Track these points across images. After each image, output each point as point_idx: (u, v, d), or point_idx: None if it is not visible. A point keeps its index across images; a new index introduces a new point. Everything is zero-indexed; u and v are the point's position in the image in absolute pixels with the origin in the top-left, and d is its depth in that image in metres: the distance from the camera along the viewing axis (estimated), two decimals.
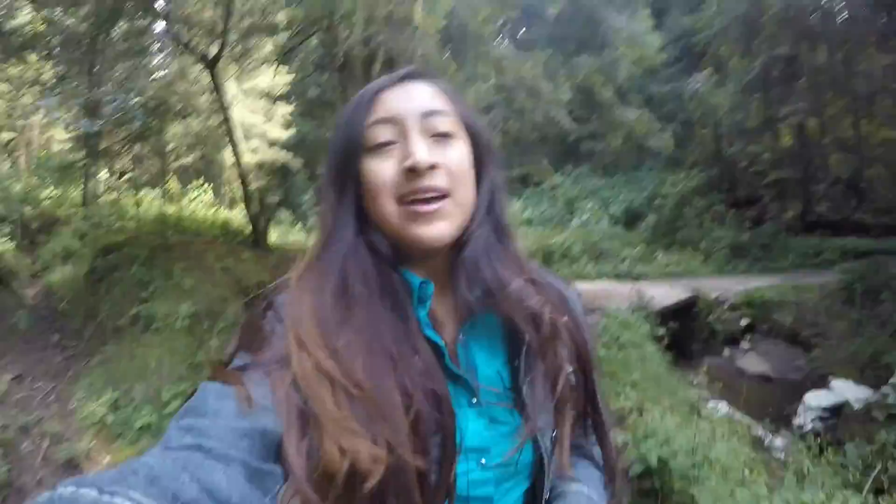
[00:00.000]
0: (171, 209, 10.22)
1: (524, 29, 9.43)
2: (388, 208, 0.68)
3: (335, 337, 0.61)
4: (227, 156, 11.30)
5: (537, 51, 9.96)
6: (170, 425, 0.54)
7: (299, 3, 6.95)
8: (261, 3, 7.39)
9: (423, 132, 0.69)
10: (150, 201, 11.58)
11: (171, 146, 12.51)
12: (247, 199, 8.01)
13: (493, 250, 0.72)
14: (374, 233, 0.69)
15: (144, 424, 4.39)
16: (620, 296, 8.38)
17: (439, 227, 0.68)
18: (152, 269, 5.94)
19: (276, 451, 0.56)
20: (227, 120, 7.78)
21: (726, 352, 9.00)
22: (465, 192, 0.70)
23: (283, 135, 14.22)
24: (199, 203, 11.14)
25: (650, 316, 7.67)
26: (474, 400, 0.69)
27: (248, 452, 0.53)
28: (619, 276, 11.49)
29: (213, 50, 7.56)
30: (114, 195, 12.45)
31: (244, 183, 7.86)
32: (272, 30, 7.68)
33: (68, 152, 12.01)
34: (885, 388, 5.74)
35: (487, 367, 0.72)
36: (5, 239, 8.11)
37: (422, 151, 0.66)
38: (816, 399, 6.34)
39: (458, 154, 0.70)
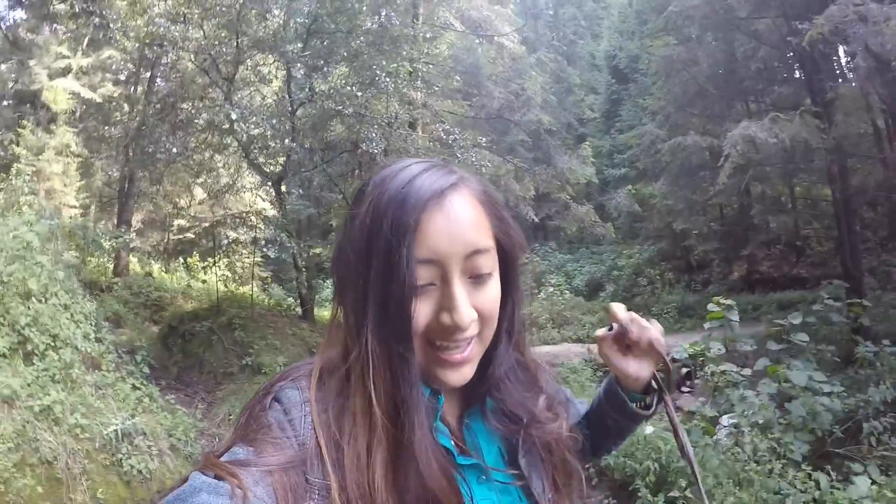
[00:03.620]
0: (228, 287, 13.80)
1: (499, 144, 13.85)
2: (416, 347, 0.72)
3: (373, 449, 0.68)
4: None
5: (508, 159, 14.34)
6: None
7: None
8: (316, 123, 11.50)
9: (464, 272, 0.73)
10: (177, 274, 15.11)
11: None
12: (299, 282, 11.72)
13: (511, 371, 0.84)
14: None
15: None
16: (577, 354, 12.32)
17: (464, 372, 0.76)
18: (250, 333, 9.64)
19: None
20: (288, 230, 11.43)
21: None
22: (491, 332, 0.78)
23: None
24: (216, 277, 14.62)
25: (596, 367, 11.51)
26: (483, 477, 0.79)
27: None
28: (579, 340, 15.25)
29: (279, 168, 11.51)
30: (136, 266, 15.74)
31: (297, 268, 11.54)
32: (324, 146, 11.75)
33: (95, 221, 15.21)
34: None
35: (489, 446, 0.83)
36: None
37: (466, 310, 0.72)
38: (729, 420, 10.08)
39: (492, 296, 0.76)
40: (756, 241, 17.62)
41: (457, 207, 0.73)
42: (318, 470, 0.67)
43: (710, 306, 6.93)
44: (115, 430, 6.03)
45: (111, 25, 11.71)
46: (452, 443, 0.78)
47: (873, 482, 4.23)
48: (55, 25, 13.33)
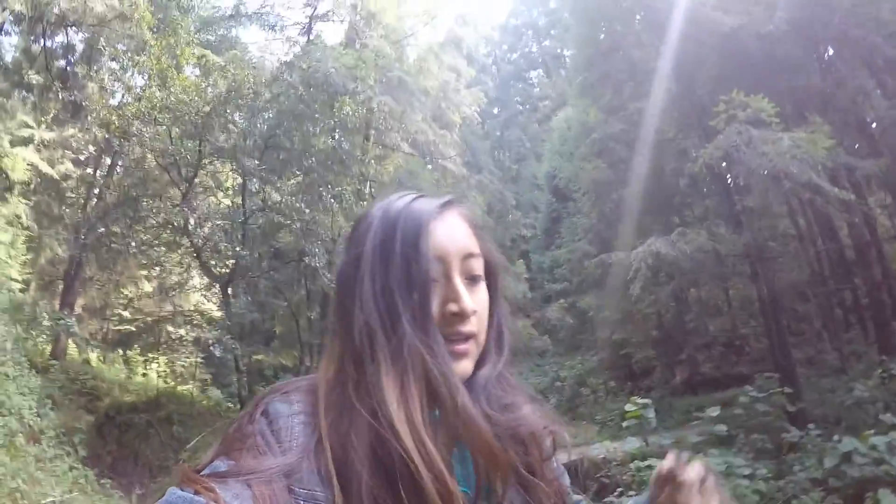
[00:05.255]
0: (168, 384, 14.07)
1: None
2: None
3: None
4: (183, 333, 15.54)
5: None
6: None
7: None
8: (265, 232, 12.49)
9: (461, 272, 0.83)
10: (116, 365, 15.23)
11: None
12: (240, 385, 12.26)
13: (500, 378, 0.88)
14: None
15: None
16: None
17: (465, 365, 0.82)
18: (188, 430, 10.07)
19: None
20: (232, 333, 12.15)
21: (614, 500, 12.82)
22: (484, 333, 0.86)
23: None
24: (157, 372, 14.92)
25: None
26: None
27: None
28: None
29: (227, 271, 12.36)
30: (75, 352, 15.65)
31: (238, 371, 12.13)
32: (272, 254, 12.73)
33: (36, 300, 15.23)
34: None
35: (463, 472, 0.81)
36: None
37: (467, 299, 0.81)
38: None
39: (484, 297, 0.86)
40: (694, 345, 18.52)
41: (454, 219, 0.87)
42: (303, 480, 0.68)
43: (628, 406, 7.39)
44: (54, 503, 6.39)
45: (83, 106, 12.59)
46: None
47: None
48: (24, 94, 13.56)
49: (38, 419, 7.44)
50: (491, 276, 0.90)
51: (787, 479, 6.73)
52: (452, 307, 0.80)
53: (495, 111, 32.46)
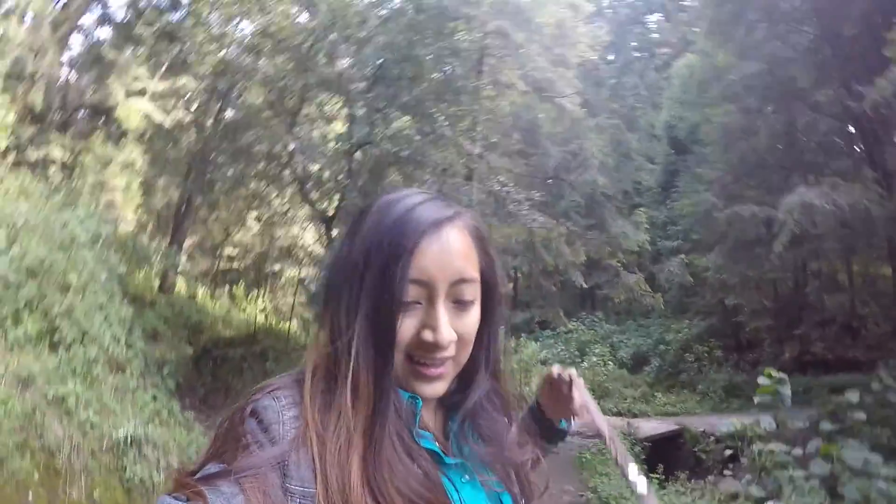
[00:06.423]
0: (261, 319, 13.90)
1: (553, 207, 13.87)
2: (396, 359, 0.77)
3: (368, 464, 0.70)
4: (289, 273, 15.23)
5: (562, 222, 14.13)
6: None
7: None
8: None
9: (448, 296, 0.78)
10: (221, 300, 15.25)
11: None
12: None
13: (486, 398, 0.89)
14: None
15: None
16: (616, 427, 11.73)
17: (437, 387, 0.80)
18: (282, 366, 9.51)
19: None
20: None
21: (711, 478, 11.70)
22: (466, 354, 0.83)
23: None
24: (257, 308, 14.77)
25: (635, 441, 10.91)
26: (467, 477, 0.82)
27: None
28: (619, 414, 14.57)
29: (332, 210, 11.70)
30: (182, 287, 15.89)
31: None
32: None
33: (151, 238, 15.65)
34: None
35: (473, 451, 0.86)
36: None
37: (446, 330, 0.77)
38: None
39: (472, 321, 0.81)
40: (810, 321, 16.96)
41: (451, 238, 0.79)
42: (296, 476, 0.67)
43: (761, 379, 6.46)
44: (126, 435, 5.85)
45: (186, 56, 12.20)
46: (438, 446, 0.81)
47: None
48: (137, 48, 13.94)
49: (126, 349, 6.96)
50: (488, 296, 0.85)
51: None
52: (428, 336, 0.77)
53: (610, 57, 30.14)
